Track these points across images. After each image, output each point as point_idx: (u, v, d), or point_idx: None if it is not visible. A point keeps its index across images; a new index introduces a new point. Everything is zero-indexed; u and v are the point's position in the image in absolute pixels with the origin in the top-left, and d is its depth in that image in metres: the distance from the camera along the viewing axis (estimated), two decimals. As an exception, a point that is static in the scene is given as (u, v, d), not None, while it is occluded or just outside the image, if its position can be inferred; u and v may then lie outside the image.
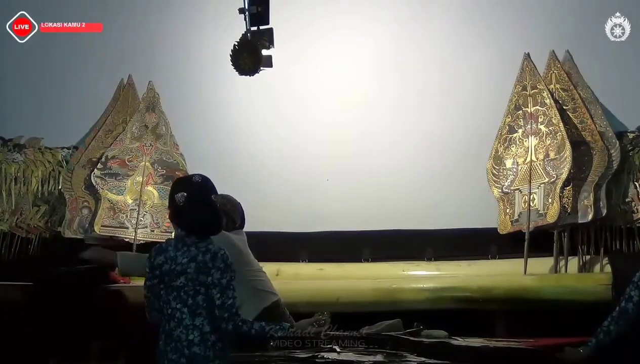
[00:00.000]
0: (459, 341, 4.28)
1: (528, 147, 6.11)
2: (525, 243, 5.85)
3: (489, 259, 6.17)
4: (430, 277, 6.03)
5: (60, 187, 6.77)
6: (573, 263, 5.85)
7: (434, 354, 3.97)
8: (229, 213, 4.59)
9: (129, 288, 5.73)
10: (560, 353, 4.14)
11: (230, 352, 3.57)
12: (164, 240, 6.20)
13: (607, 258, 5.71)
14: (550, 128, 6.03)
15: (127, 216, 6.57)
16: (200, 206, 3.56)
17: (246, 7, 5.84)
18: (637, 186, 5.85)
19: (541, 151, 6.05)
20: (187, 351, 3.42)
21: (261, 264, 4.73)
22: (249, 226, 4.78)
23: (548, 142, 6.03)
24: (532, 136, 6.11)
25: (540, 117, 6.10)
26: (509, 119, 6.24)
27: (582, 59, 6.19)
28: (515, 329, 5.27)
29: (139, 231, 6.47)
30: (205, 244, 3.50)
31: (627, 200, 5.86)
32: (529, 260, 5.81)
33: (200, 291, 3.44)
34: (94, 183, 6.58)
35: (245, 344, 3.84)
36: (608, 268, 5.59)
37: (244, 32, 5.94)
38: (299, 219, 6.55)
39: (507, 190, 6.15)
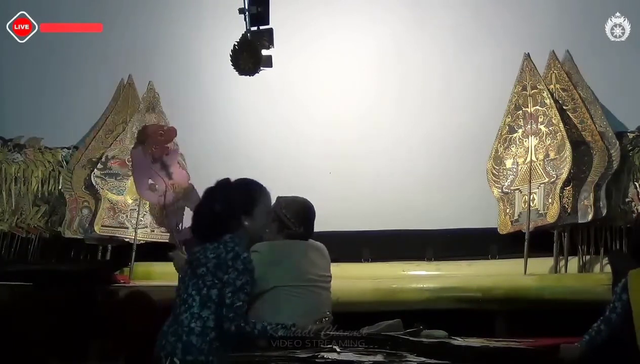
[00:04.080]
0: (459, 341, 4.27)
1: (528, 147, 6.10)
2: (525, 243, 5.84)
3: (489, 259, 6.15)
4: (430, 277, 6.02)
5: (60, 187, 6.77)
6: (573, 263, 5.84)
7: (434, 354, 3.96)
8: (282, 218, 4.44)
9: (129, 288, 5.74)
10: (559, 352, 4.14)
11: (228, 353, 3.56)
12: (166, 240, 6.21)
13: (607, 258, 5.69)
14: (550, 128, 6.03)
15: (127, 216, 6.57)
16: (196, 211, 3.77)
17: (246, 7, 5.84)
18: (637, 186, 5.84)
19: (541, 151, 6.04)
20: (185, 337, 3.43)
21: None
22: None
23: (548, 142, 6.02)
24: (532, 136, 6.10)
25: (540, 117, 6.09)
26: (509, 119, 6.23)
27: (582, 59, 6.17)
28: (515, 329, 5.27)
29: (139, 231, 6.46)
30: (233, 244, 3.54)
31: (627, 200, 5.84)
32: (529, 260, 5.80)
33: (217, 285, 3.47)
34: (94, 183, 6.58)
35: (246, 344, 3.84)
36: (608, 268, 5.57)
37: (244, 32, 5.94)
38: (299, 219, 6.54)
39: (507, 190, 6.14)
